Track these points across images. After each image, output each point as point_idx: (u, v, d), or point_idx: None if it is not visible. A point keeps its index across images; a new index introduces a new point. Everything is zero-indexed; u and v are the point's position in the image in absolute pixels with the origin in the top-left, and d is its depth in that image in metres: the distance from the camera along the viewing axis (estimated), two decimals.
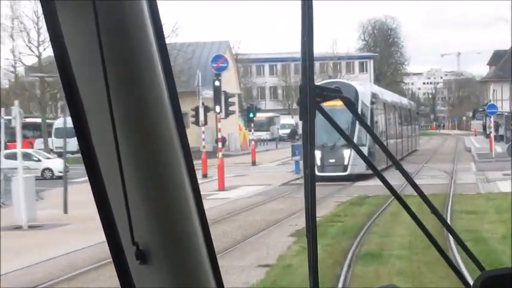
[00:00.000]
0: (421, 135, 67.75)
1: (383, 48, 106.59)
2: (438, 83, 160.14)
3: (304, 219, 1.41)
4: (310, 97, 1.46)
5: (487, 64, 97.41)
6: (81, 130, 1.40)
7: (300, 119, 1.49)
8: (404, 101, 54.77)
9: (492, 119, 50.77)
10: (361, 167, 29.15)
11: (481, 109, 78.24)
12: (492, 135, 49.14)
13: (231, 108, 30.87)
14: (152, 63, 1.38)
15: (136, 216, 1.38)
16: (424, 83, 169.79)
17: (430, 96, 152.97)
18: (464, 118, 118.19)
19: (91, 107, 1.38)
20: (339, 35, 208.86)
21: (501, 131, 61.63)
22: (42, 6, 1.37)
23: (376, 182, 29.72)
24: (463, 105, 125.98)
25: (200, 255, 1.47)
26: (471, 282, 1.62)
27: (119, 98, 1.35)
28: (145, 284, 1.44)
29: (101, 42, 1.31)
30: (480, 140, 70.13)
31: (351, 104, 1.68)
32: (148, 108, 1.38)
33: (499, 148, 45.62)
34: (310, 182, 1.44)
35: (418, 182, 1.83)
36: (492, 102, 57.38)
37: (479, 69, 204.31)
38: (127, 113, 1.36)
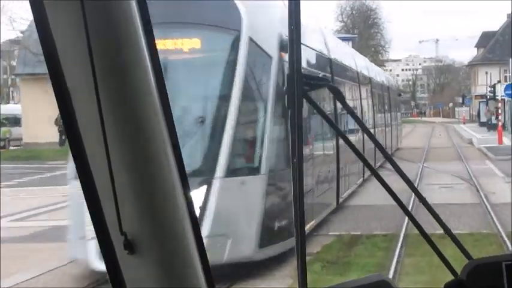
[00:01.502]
0: (404, 123, 59.05)
1: (362, 30, 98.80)
2: (417, 70, 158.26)
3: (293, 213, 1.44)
4: (298, 85, 1.49)
5: (475, 46, 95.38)
6: (70, 125, 1.43)
7: (288, 108, 1.49)
8: (381, 74, 35.53)
9: (504, 104, 42.17)
10: None
11: (478, 94, 71.69)
12: (502, 124, 41.08)
13: None
14: (141, 62, 1.42)
15: (124, 206, 1.41)
16: (402, 70, 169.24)
17: (410, 82, 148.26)
18: (451, 104, 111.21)
19: (80, 104, 1.42)
20: (315, 16, 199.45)
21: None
22: (31, 6, 1.41)
23: (359, 199, 19.58)
24: (444, 92, 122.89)
25: (188, 244, 1.47)
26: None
27: (108, 95, 1.38)
28: (133, 273, 1.46)
29: (89, 41, 1.35)
30: (474, 128, 63.70)
31: (341, 96, 1.59)
32: (137, 102, 1.41)
33: (506, 140, 39.13)
34: (298, 171, 1.49)
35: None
36: (506, 83, 48.29)
37: (459, 55, 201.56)
38: (115, 107, 1.39)
